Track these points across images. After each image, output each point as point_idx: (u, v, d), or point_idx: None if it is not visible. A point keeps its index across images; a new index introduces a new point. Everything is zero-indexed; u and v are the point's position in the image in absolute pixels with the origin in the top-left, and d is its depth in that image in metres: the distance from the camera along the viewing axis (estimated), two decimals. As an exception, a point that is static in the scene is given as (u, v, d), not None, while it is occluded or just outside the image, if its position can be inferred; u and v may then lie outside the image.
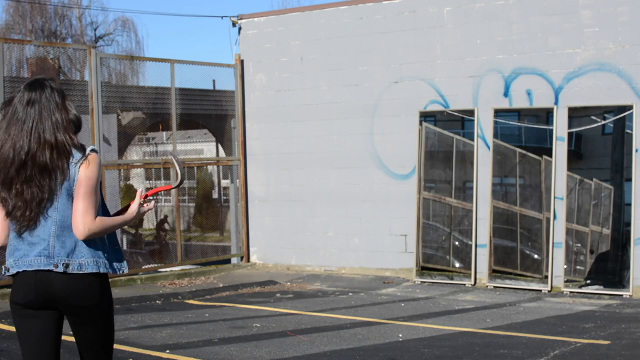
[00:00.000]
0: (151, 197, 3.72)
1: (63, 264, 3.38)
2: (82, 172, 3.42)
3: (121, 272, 3.54)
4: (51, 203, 3.40)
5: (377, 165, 12.01)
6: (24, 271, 3.41)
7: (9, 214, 3.42)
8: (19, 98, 3.45)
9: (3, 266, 3.50)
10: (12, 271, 3.45)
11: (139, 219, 3.75)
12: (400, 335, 7.59)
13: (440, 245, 11.36)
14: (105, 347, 3.57)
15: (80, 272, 3.40)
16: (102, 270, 3.45)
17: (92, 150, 3.51)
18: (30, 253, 3.41)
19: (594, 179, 10.27)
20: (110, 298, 3.56)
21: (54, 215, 3.41)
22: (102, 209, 3.53)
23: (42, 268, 3.39)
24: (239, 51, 13.35)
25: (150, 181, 42.06)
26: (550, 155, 10.48)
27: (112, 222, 3.50)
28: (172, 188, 3.88)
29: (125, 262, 3.58)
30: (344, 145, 12.32)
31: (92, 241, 3.43)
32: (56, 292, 3.39)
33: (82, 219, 3.37)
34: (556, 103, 10.56)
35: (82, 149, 3.50)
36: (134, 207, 3.61)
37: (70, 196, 3.41)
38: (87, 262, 3.42)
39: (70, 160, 3.43)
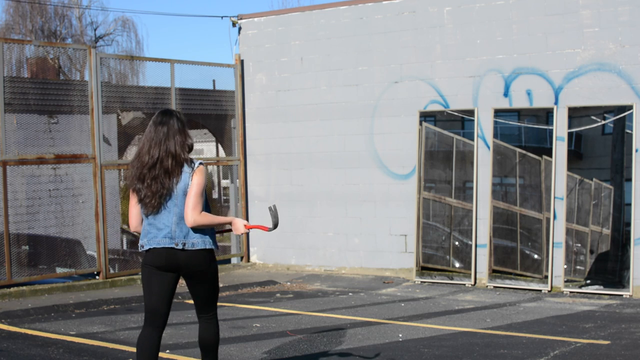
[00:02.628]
0: (247, 230, 5.07)
1: (181, 243, 4.85)
2: (194, 179, 4.88)
3: (217, 249, 5.02)
4: (170, 197, 4.86)
5: (377, 165, 12.01)
6: (154, 247, 4.87)
7: (140, 201, 4.89)
8: (154, 120, 4.95)
9: (139, 243, 4.93)
10: (146, 247, 4.91)
11: (227, 230, 5.28)
12: (400, 335, 7.59)
13: (440, 245, 11.36)
14: (211, 299, 5.05)
15: (193, 248, 4.85)
16: (207, 247, 4.90)
17: (200, 164, 4.95)
18: (159, 235, 4.88)
19: (594, 179, 10.27)
20: (216, 266, 5.01)
21: (175, 209, 4.86)
22: (206, 208, 4.94)
23: (167, 246, 4.85)
24: (239, 51, 13.35)
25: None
26: (550, 155, 10.48)
27: (212, 218, 4.91)
28: (267, 230, 5.23)
29: (216, 243, 5.00)
30: (344, 145, 12.32)
31: (198, 228, 4.86)
32: (179, 262, 4.87)
33: (191, 212, 4.82)
34: (556, 103, 10.56)
35: (191, 162, 4.93)
36: (239, 221, 5.03)
37: (185, 195, 4.85)
38: (197, 242, 4.87)
39: (184, 169, 4.87)
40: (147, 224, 4.92)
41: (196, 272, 4.92)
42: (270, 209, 5.19)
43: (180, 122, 4.96)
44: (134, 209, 4.97)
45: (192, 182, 4.87)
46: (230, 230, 5.16)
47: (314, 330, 7.85)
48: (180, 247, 4.85)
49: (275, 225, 5.17)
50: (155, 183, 4.84)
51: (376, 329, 7.86)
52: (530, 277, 10.52)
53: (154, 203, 4.84)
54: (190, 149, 4.99)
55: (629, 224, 9.93)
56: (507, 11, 10.92)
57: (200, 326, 5.11)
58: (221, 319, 8.59)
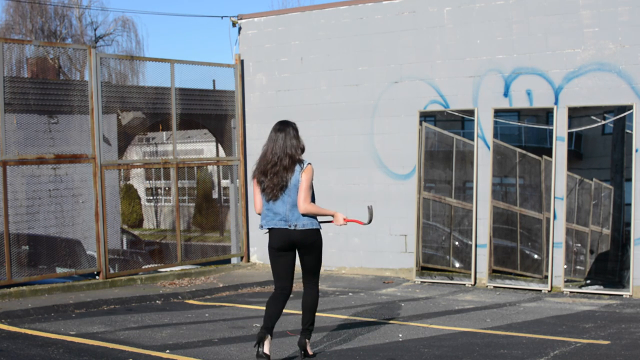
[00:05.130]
0: (345, 223, 6.41)
1: (294, 225, 6.23)
2: (303, 176, 6.23)
3: (320, 228, 6.29)
4: (286, 189, 6.21)
5: (377, 165, 12.01)
6: (272, 228, 6.27)
7: (263, 191, 6.28)
8: (274, 128, 6.36)
9: (260, 224, 6.34)
10: (265, 227, 6.31)
11: (328, 221, 6.46)
12: (400, 335, 7.59)
13: (440, 245, 11.36)
14: (315, 268, 6.42)
15: (304, 228, 6.23)
16: (314, 227, 6.28)
17: (308, 164, 6.29)
18: (275, 219, 6.26)
19: (594, 179, 10.27)
20: (321, 242, 6.36)
21: (288, 199, 6.22)
22: (312, 199, 6.31)
23: (282, 227, 6.24)
24: (239, 51, 13.35)
25: (151, 181, 42.09)
26: (550, 155, 10.48)
27: (318, 208, 6.29)
28: (363, 224, 6.74)
29: (320, 223, 6.32)
30: (344, 145, 12.32)
31: (307, 215, 6.23)
32: (293, 239, 6.25)
33: (303, 203, 6.21)
34: (556, 103, 10.56)
35: (301, 162, 6.27)
36: (339, 215, 6.40)
37: (297, 189, 6.21)
38: (306, 223, 6.24)
39: (296, 167, 6.23)
40: (266, 209, 6.31)
41: (306, 245, 6.29)
42: (368, 207, 6.64)
43: (294, 130, 6.40)
44: (258, 196, 6.37)
45: (301, 178, 6.22)
46: (331, 221, 6.42)
47: (313, 330, 7.84)
48: (292, 227, 6.22)
49: (370, 221, 6.61)
50: (275, 177, 6.21)
51: (376, 329, 7.86)
52: (530, 277, 10.52)
53: (274, 192, 6.21)
54: (302, 151, 6.36)
55: (629, 224, 9.93)
56: (507, 11, 10.92)
57: (304, 291, 6.47)
58: (221, 319, 8.62)
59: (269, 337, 6.19)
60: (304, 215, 6.22)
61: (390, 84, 11.88)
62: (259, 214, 6.39)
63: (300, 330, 6.47)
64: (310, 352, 6.51)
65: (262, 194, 6.32)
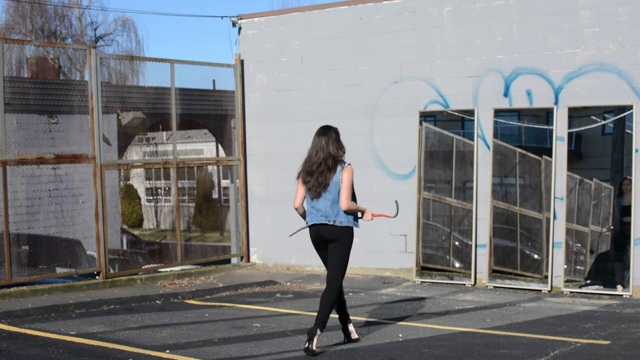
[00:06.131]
0: (372, 218, 7.02)
1: (332, 220, 6.79)
2: (344, 175, 6.78)
3: (357, 226, 6.87)
4: (327, 188, 6.78)
5: (377, 165, 12.01)
6: (314, 224, 6.86)
7: (308, 190, 6.87)
8: (318, 132, 6.96)
9: (305, 221, 6.96)
10: (309, 223, 6.89)
11: (359, 216, 6.96)
12: (400, 335, 7.59)
13: (440, 245, 11.36)
14: (340, 264, 6.86)
15: (341, 225, 6.79)
16: (350, 224, 6.82)
17: (348, 164, 6.84)
18: (317, 215, 6.85)
19: (594, 179, 10.27)
20: (352, 239, 6.87)
21: (329, 197, 6.79)
22: (354, 197, 6.89)
23: (322, 222, 6.82)
24: (239, 51, 13.35)
25: (150, 181, 42.09)
26: (550, 155, 10.48)
27: (357, 206, 6.85)
28: (390, 217, 7.57)
29: (358, 222, 6.90)
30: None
31: (348, 212, 6.79)
32: (329, 233, 6.81)
33: (345, 201, 6.74)
34: (556, 103, 10.56)
35: (343, 162, 6.84)
36: (368, 211, 6.95)
37: (337, 187, 6.77)
38: (343, 220, 6.79)
39: (337, 168, 6.80)
40: (310, 206, 6.91)
41: (336, 240, 6.82)
42: (396, 201, 7.61)
43: (336, 134, 6.94)
44: (300, 193, 6.96)
45: (343, 178, 6.78)
46: (361, 217, 6.96)
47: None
48: (331, 223, 6.79)
49: (396, 214, 7.43)
50: (320, 176, 6.79)
51: (376, 329, 7.86)
52: (530, 277, 10.52)
53: (318, 191, 6.81)
54: (344, 152, 6.92)
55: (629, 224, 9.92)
56: (507, 11, 10.92)
57: (326, 286, 6.94)
58: (221, 319, 8.61)
59: (350, 322, 7.19)
60: (345, 212, 6.79)
61: (390, 84, 11.88)
62: (296, 209, 7.04)
63: (315, 317, 6.91)
64: (314, 346, 6.67)
65: (307, 192, 6.92)
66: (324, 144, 6.86)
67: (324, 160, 6.81)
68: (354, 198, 6.90)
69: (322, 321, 6.71)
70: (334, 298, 6.79)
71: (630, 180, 9.91)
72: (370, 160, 12.06)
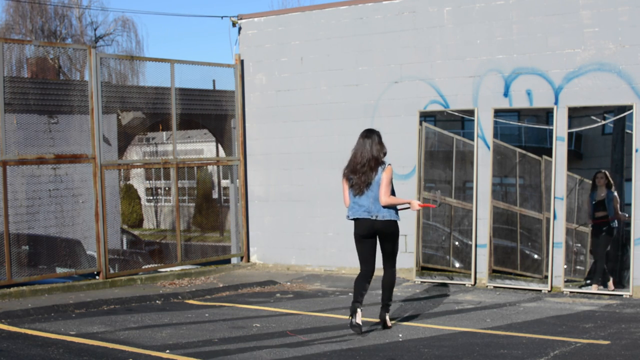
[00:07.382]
0: (419, 208, 7.95)
1: (375, 215, 7.47)
2: (384, 175, 7.46)
3: (398, 219, 7.59)
4: (370, 186, 7.45)
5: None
6: (357, 218, 7.53)
7: (351, 187, 7.55)
8: (362, 135, 7.61)
9: (347, 214, 7.62)
10: (351, 217, 7.58)
11: (405, 207, 7.80)
12: (400, 335, 7.59)
13: (440, 245, 11.36)
14: (392, 254, 7.72)
15: (384, 219, 7.47)
16: (393, 218, 7.54)
17: (389, 165, 7.51)
18: (359, 210, 7.52)
19: (594, 179, 10.25)
20: (398, 231, 7.67)
21: (371, 194, 7.46)
22: (393, 194, 7.57)
23: (366, 217, 7.49)
24: (239, 51, 13.35)
25: (150, 181, 42.09)
26: (550, 155, 10.48)
27: (396, 199, 7.57)
28: (434, 207, 8.97)
29: (398, 215, 7.63)
30: (344, 145, 12.29)
31: (387, 206, 7.47)
32: (375, 228, 7.51)
33: (383, 196, 7.43)
34: (556, 103, 10.56)
35: (383, 163, 7.50)
36: (414, 201, 7.67)
37: (378, 185, 7.44)
38: (386, 214, 7.48)
39: (379, 168, 7.46)
40: (353, 202, 7.56)
41: (386, 233, 7.54)
42: (438, 191, 8.87)
43: (378, 137, 7.58)
44: (346, 192, 7.61)
45: (382, 177, 7.44)
46: (408, 208, 7.73)
47: (314, 331, 7.85)
48: (374, 218, 7.46)
49: (439, 204, 8.48)
50: (363, 175, 7.45)
51: (376, 329, 7.86)
52: (530, 277, 10.52)
53: (360, 188, 7.47)
54: (385, 154, 7.56)
55: (629, 224, 9.93)
56: (507, 11, 10.92)
57: (383, 273, 7.70)
58: (221, 319, 8.62)
59: (360, 309, 7.43)
60: (384, 207, 7.43)
61: (390, 84, 11.88)
62: (347, 207, 7.67)
63: (380, 306, 7.76)
64: (389, 324, 7.76)
65: (350, 189, 7.57)
66: (368, 146, 7.51)
67: (367, 161, 7.46)
68: (393, 194, 7.57)
69: (387, 304, 7.70)
70: (394, 282, 7.70)
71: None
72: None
